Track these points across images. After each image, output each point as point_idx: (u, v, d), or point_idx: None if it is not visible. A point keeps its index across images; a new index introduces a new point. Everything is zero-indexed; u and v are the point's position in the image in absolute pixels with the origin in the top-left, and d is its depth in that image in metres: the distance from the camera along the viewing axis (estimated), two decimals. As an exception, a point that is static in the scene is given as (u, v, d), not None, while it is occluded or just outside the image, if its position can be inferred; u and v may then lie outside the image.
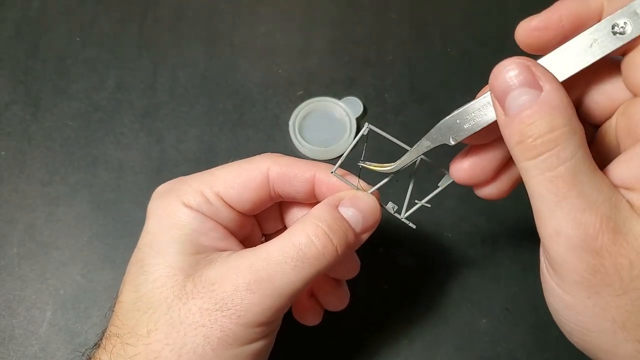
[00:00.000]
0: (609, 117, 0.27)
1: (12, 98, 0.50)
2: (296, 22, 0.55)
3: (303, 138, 0.48)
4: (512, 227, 0.45)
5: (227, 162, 0.47)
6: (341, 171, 0.31)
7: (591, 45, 0.24)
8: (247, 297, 0.26)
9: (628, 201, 0.23)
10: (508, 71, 0.23)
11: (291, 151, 0.48)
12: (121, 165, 0.47)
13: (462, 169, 0.29)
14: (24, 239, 0.44)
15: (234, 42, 0.54)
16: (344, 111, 0.49)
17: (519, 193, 0.47)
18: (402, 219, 0.32)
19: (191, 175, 0.32)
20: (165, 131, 0.49)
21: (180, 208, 0.29)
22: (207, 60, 0.52)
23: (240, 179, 0.31)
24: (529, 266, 0.43)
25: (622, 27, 0.23)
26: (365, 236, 0.30)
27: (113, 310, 0.29)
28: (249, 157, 0.47)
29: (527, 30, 0.26)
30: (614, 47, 0.24)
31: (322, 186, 0.31)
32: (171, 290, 0.27)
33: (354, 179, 0.31)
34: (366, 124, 0.30)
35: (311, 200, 0.32)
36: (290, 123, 0.48)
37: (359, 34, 0.54)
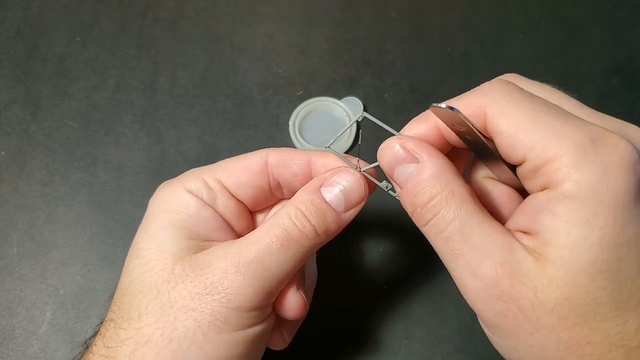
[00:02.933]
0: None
1: (12, 98, 0.50)
2: (296, 22, 0.55)
3: (303, 138, 0.48)
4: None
5: (227, 162, 0.47)
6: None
7: None
8: (237, 280, 0.27)
9: (523, 244, 0.23)
10: (388, 151, 0.26)
11: (291, 151, 0.48)
12: (121, 165, 0.47)
13: None
14: (24, 239, 0.44)
15: (234, 42, 0.54)
16: (344, 111, 0.49)
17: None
18: (396, 197, 0.31)
19: (193, 169, 0.32)
20: (165, 131, 0.49)
21: (180, 193, 0.30)
22: (207, 60, 0.52)
23: (240, 165, 0.32)
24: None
25: None
26: (350, 214, 0.30)
27: (113, 296, 0.29)
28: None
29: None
30: None
31: (319, 168, 0.31)
32: (160, 273, 0.27)
33: (354, 160, 0.31)
34: (362, 111, 0.30)
35: None
36: (290, 123, 0.48)
37: (359, 34, 0.54)
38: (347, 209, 0.30)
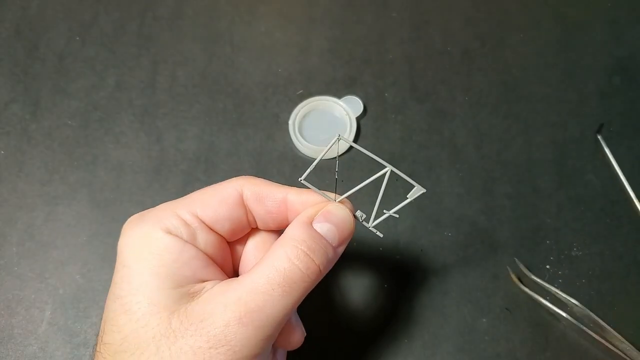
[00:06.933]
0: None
1: (12, 97, 0.50)
2: (296, 21, 0.55)
3: (303, 137, 0.47)
4: (512, 226, 0.44)
5: (226, 162, 0.47)
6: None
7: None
8: (241, 331, 0.26)
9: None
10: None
11: (291, 150, 0.48)
12: (121, 165, 0.47)
13: None
14: (23, 239, 0.44)
15: (234, 41, 0.54)
16: (344, 110, 0.49)
17: (518, 193, 0.46)
18: (370, 228, 0.32)
19: (164, 203, 0.31)
20: (164, 130, 0.49)
21: (158, 234, 0.28)
22: (206, 59, 0.52)
23: (216, 198, 0.30)
24: (529, 266, 0.43)
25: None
26: (341, 249, 0.30)
27: (98, 351, 0.28)
28: (248, 156, 0.47)
29: None
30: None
31: (296, 205, 0.31)
32: (157, 328, 0.26)
33: (331, 195, 0.31)
34: (337, 134, 0.30)
35: (283, 226, 0.32)
36: (290, 122, 0.48)
37: (359, 33, 0.54)
38: (339, 244, 0.30)
